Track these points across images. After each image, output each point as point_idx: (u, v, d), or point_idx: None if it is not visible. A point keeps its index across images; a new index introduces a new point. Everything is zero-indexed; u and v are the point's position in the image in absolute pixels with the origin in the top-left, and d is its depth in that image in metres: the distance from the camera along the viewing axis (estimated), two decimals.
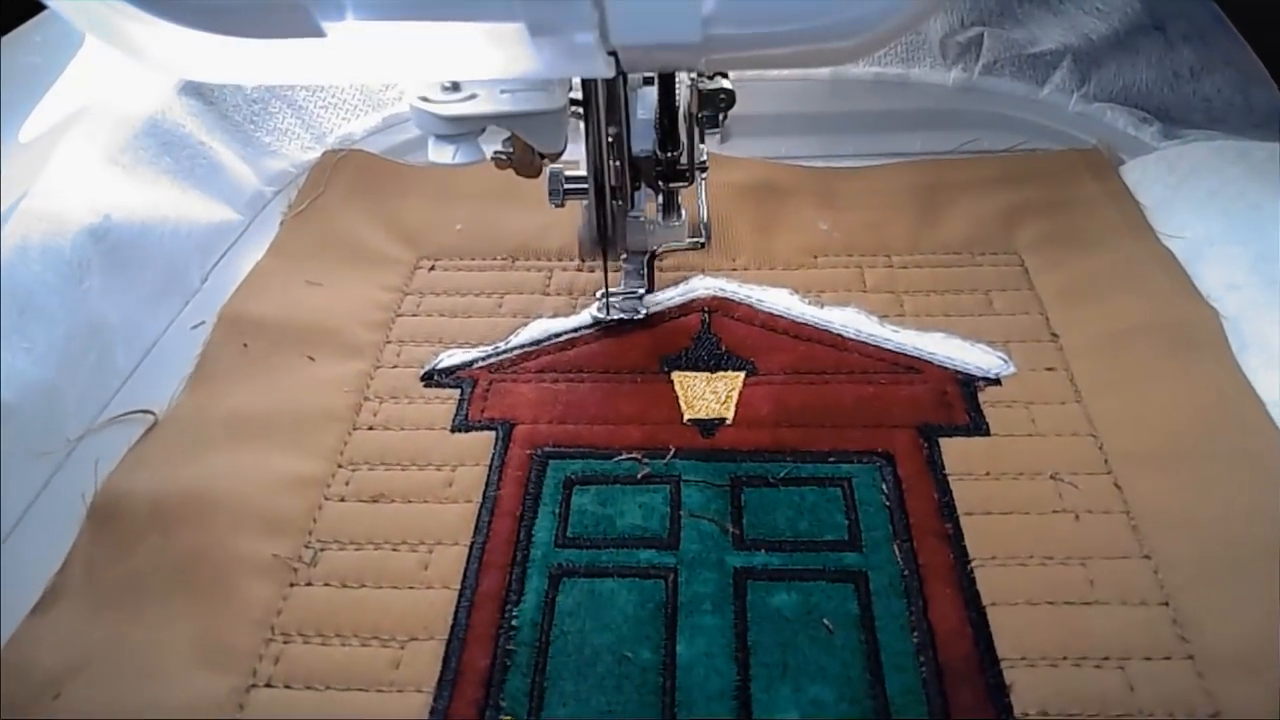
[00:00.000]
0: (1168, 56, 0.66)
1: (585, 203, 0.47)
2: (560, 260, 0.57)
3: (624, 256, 0.53)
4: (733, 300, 0.53)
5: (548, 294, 0.54)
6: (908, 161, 0.63)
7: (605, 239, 0.48)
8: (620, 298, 0.52)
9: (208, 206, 0.58)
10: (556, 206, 0.48)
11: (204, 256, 0.57)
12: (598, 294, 0.52)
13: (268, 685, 0.36)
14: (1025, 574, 0.38)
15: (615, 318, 0.51)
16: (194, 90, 0.61)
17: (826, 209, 0.59)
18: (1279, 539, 0.37)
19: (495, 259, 0.57)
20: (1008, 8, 0.69)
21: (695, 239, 0.52)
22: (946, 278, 0.53)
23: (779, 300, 0.52)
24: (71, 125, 0.53)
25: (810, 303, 0.52)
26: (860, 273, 0.54)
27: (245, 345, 0.50)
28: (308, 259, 0.56)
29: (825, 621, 0.36)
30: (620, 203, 0.47)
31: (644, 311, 0.52)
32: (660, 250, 0.52)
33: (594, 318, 0.52)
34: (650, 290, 0.53)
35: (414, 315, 0.53)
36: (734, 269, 0.55)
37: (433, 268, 0.57)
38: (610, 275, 0.51)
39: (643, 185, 0.49)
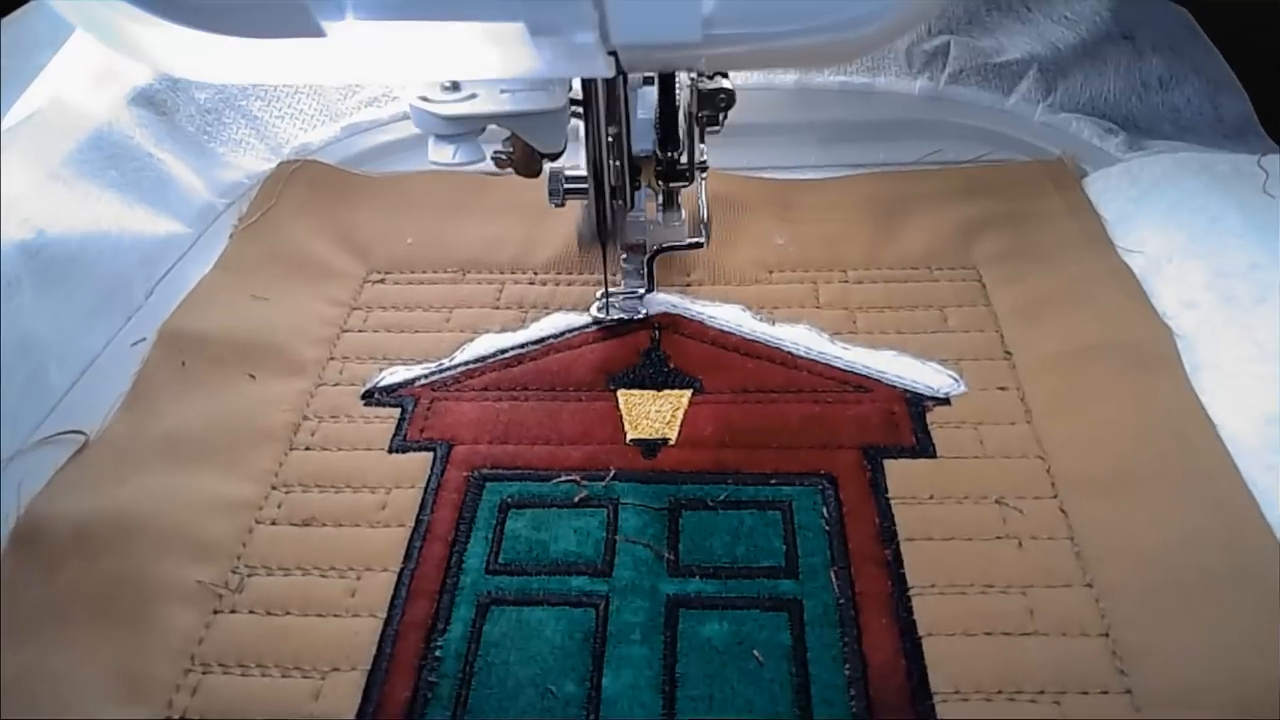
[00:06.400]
0: (1136, 66, 0.65)
1: (585, 201, 0.47)
2: (513, 273, 0.56)
3: (624, 256, 0.52)
4: (684, 317, 0.52)
5: (498, 308, 0.53)
6: (868, 173, 0.62)
7: (605, 237, 0.47)
8: (620, 297, 0.51)
9: (154, 220, 0.57)
10: (556, 206, 0.47)
11: (149, 271, 0.56)
12: (598, 294, 0.51)
13: (183, 718, 0.35)
14: (964, 603, 0.37)
15: (615, 317, 0.51)
16: (145, 100, 0.60)
17: (783, 222, 0.58)
18: (1224, 568, 0.36)
19: (445, 271, 0.56)
20: (975, 16, 0.68)
21: (695, 238, 0.52)
22: (902, 293, 0.52)
23: (730, 317, 0.51)
24: (14, 136, 0.52)
25: (762, 319, 0.51)
26: (814, 288, 0.53)
27: (183, 363, 0.49)
28: (255, 273, 0.55)
29: (755, 653, 0.35)
30: (620, 202, 0.47)
31: (644, 311, 0.51)
32: (660, 250, 0.52)
33: (594, 318, 0.51)
34: (651, 290, 0.52)
35: (360, 330, 0.52)
36: (688, 284, 0.54)
37: (382, 280, 0.56)
38: (610, 275, 0.51)
39: (643, 185, 0.49)
